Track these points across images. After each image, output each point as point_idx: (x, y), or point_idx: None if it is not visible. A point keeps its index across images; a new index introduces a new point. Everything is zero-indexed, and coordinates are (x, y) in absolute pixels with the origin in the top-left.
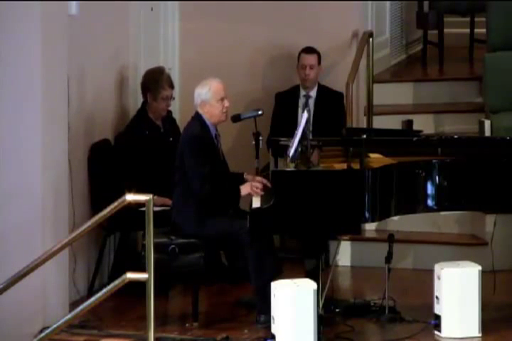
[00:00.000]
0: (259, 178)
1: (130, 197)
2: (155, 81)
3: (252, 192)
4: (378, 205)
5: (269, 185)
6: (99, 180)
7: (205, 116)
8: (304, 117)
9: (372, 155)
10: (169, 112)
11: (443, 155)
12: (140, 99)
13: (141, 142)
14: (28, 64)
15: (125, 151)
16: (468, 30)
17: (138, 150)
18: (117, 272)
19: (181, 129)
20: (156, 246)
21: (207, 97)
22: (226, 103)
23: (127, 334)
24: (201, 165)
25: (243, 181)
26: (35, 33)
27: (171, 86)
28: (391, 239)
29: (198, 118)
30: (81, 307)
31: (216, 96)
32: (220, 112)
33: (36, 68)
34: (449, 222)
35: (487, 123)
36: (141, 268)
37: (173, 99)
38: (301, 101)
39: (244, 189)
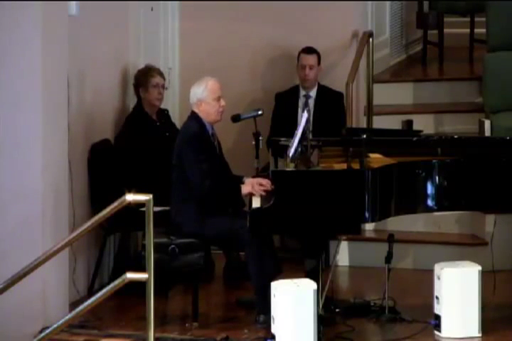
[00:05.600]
0: (262, 180)
1: (130, 197)
2: (144, 74)
3: (254, 191)
4: (378, 205)
5: (269, 188)
6: (99, 180)
7: (201, 115)
8: (304, 117)
9: (372, 155)
10: (165, 110)
11: (443, 155)
12: None
13: (139, 138)
14: (28, 64)
15: (125, 151)
16: (468, 30)
17: (137, 149)
18: (117, 272)
19: (178, 127)
20: (156, 246)
21: (203, 96)
22: (222, 102)
23: (127, 334)
24: (200, 162)
25: (243, 184)
26: (35, 33)
27: (161, 74)
28: (391, 239)
29: (194, 117)
30: (81, 307)
31: (212, 95)
32: (215, 111)
33: (36, 68)
34: (449, 222)
35: (487, 123)
36: (141, 268)
37: (166, 88)
38: (301, 101)
39: (246, 188)
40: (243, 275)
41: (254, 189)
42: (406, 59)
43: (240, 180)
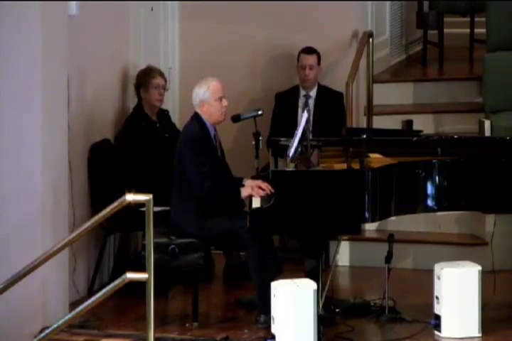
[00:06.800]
0: (262, 183)
1: (130, 197)
2: (145, 74)
3: (254, 194)
4: (378, 205)
5: (269, 191)
6: (99, 180)
7: (204, 117)
8: (304, 117)
9: (373, 155)
10: (165, 111)
11: (443, 155)
12: None
13: (139, 138)
14: (28, 64)
15: (125, 151)
16: (468, 30)
17: (137, 149)
18: (117, 272)
19: (179, 127)
20: (156, 246)
21: (205, 97)
22: (225, 102)
23: (127, 334)
24: (201, 164)
25: (242, 186)
26: (35, 33)
27: (162, 75)
28: (391, 239)
29: (196, 118)
30: (81, 307)
31: (214, 96)
32: (218, 111)
33: (36, 68)
34: (449, 222)
35: (487, 123)
36: (141, 268)
37: (167, 90)
38: (301, 101)
39: (245, 191)
40: (243, 275)
41: (254, 191)
42: (406, 59)
43: (239, 183)
